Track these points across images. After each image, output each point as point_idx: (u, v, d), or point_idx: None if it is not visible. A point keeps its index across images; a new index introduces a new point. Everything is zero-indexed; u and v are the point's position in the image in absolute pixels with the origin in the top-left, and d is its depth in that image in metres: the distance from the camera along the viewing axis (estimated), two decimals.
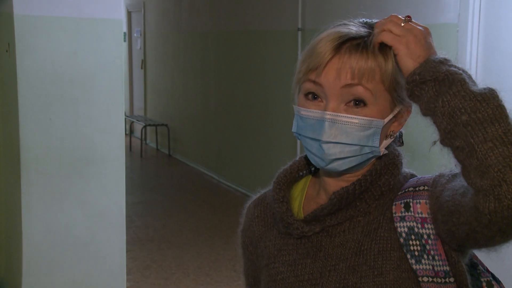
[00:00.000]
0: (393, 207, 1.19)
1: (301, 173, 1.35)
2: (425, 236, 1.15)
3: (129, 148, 10.13)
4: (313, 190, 1.32)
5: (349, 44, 1.16)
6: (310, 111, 1.18)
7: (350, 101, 1.16)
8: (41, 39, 3.43)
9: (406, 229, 1.17)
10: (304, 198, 1.32)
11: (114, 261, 3.73)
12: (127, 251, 3.85)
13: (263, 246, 1.34)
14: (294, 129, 1.22)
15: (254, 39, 6.96)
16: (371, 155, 1.21)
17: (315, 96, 1.19)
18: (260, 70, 6.82)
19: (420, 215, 1.16)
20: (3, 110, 3.91)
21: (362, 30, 1.19)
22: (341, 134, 1.16)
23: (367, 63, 1.15)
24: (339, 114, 1.16)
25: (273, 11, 6.57)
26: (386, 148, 1.24)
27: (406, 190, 1.20)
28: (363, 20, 1.23)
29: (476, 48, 4.00)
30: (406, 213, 1.17)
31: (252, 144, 7.09)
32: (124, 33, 10.98)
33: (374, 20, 1.21)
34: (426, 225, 1.16)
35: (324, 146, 1.17)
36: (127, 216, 3.85)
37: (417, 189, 1.19)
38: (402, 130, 1.30)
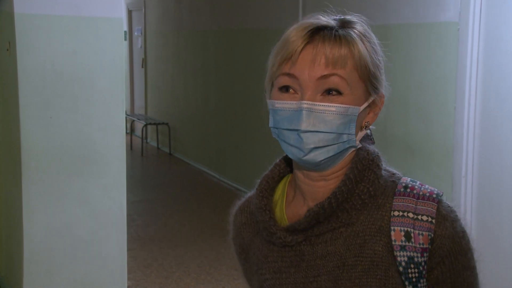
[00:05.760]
0: (392, 233, 1.18)
1: (284, 173, 1.35)
2: (423, 263, 1.18)
3: (130, 147, 10.12)
4: (291, 192, 1.31)
5: (321, 33, 1.18)
6: (285, 103, 1.19)
7: (325, 91, 1.17)
8: (42, 37, 3.43)
9: (406, 259, 1.18)
10: (284, 202, 1.31)
11: (115, 259, 3.73)
12: (127, 250, 3.85)
13: (252, 252, 1.35)
14: (271, 124, 1.23)
15: (254, 38, 6.95)
16: (347, 145, 1.21)
17: (288, 90, 1.19)
18: (261, 69, 6.78)
19: (421, 246, 1.17)
20: (3, 108, 3.91)
21: (332, 21, 1.21)
22: (319, 123, 1.16)
23: (340, 51, 1.16)
24: (315, 103, 1.16)
25: (273, 9, 6.56)
26: (362, 150, 1.24)
27: (404, 214, 1.19)
28: (332, 17, 1.25)
29: (477, 47, 3.99)
30: (407, 243, 1.18)
31: (253, 142, 7.09)
32: (125, 31, 10.97)
33: (347, 17, 1.23)
34: (425, 254, 1.18)
35: (303, 135, 1.17)
36: (127, 214, 3.85)
37: (418, 218, 1.18)
38: (373, 126, 1.30)
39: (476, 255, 1.24)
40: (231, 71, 7.62)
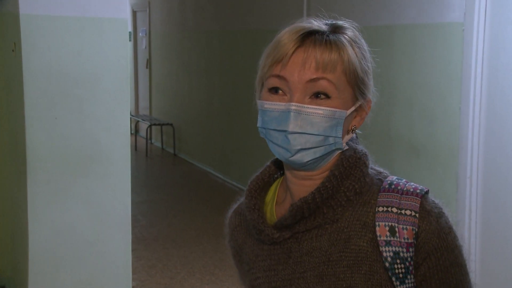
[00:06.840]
0: (377, 228, 1.20)
1: (275, 176, 1.37)
2: (409, 259, 1.19)
3: (135, 148, 10.14)
4: (282, 194, 1.33)
5: (312, 37, 1.20)
6: (274, 104, 1.21)
7: (314, 94, 1.19)
8: (47, 38, 3.44)
9: (391, 254, 1.18)
10: (275, 203, 1.33)
11: (119, 260, 3.73)
12: (132, 250, 3.85)
13: (244, 253, 1.36)
14: (259, 124, 1.24)
15: (258, 39, 6.95)
16: (334, 147, 1.23)
17: (277, 91, 1.21)
18: None
19: (406, 241, 1.18)
20: (9, 109, 3.92)
21: (323, 26, 1.23)
22: (306, 125, 1.18)
23: (331, 55, 1.19)
24: (304, 105, 1.18)
25: (278, 10, 6.56)
26: (349, 150, 1.26)
27: (389, 209, 1.20)
28: (324, 21, 1.27)
29: (482, 47, 3.98)
30: (392, 238, 1.19)
31: (257, 143, 7.08)
32: (130, 32, 10.99)
33: (339, 22, 1.26)
34: (410, 249, 1.19)
35: (290, 136, 1.19)
36: (132, 215, 3.85)
37: (402, 212, 1.19)
38: (359, 131, 1.32)
39: (466, 253, 1.24)
40: (236, 72, 7.63)
